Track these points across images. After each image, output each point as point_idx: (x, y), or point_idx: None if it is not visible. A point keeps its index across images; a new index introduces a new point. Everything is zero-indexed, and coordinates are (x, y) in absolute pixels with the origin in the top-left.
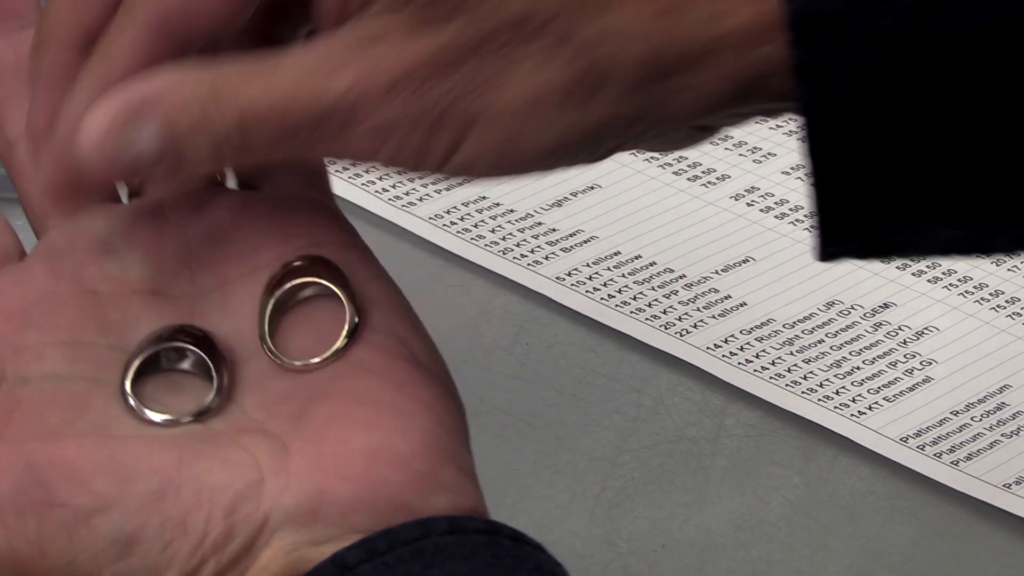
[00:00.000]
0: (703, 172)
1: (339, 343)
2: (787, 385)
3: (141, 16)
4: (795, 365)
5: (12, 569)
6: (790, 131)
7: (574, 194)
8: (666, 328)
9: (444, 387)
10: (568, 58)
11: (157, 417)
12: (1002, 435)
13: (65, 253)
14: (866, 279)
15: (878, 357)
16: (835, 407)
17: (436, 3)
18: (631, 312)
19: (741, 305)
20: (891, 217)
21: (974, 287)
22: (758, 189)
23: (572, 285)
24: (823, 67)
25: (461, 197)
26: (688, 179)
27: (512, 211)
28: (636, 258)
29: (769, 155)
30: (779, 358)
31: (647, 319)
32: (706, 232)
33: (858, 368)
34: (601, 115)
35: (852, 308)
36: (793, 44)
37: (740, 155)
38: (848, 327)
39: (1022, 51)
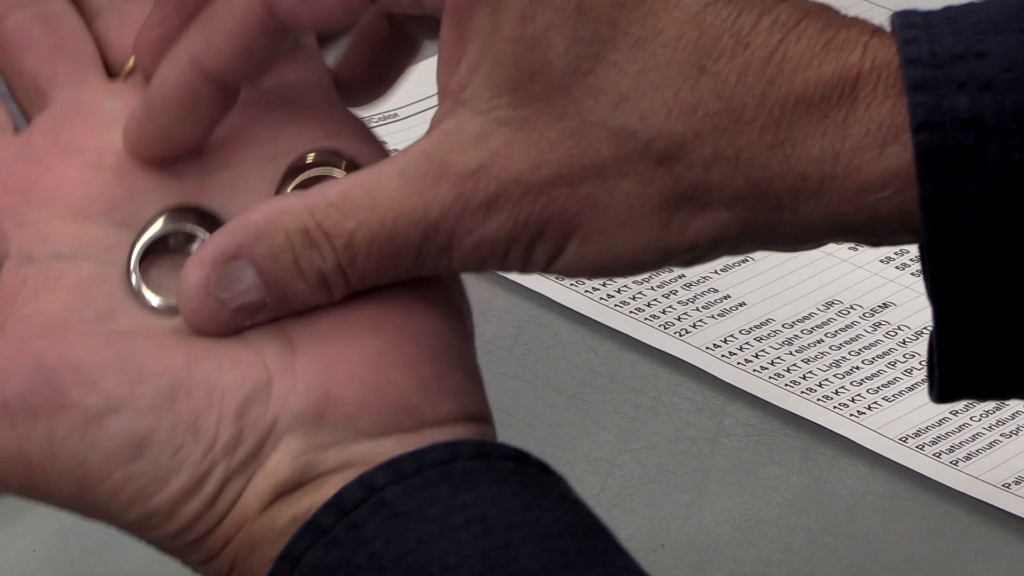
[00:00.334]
0: None
1: None
2: (786, 385)
3: None
4: (794, 365)
5: (23, 472)
6: None
7: None
8: (665, 328)
9: (453, 290)
10: (672, 180)
11: (156, 301)
12: (1001, 435)
13: (68, 126)
14: (865, 279)
15: (877, 357)
16: (834, 407)
17: (533, 100)
18: (630, 312)
19: (740, 305)
20: (1016, 357)
21: None
22: None
23: (571, 285)
24: (951, 202)
25: None
26: None
27: None
28: None
29: None
30: (778, 358)
31: (646, 319)
32: None
33: (857, 368)
34: (705, 233)
35: (851, 308)
36: (920, 178)
37: None
38: (847, 327)
39: None
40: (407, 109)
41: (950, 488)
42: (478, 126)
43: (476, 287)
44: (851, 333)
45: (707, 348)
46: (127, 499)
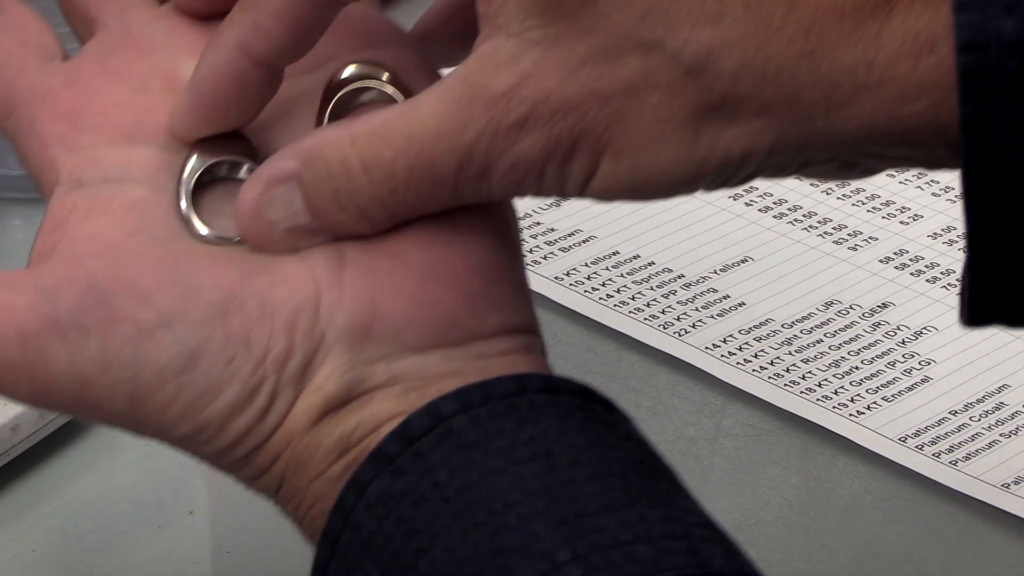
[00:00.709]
0: None
1: None
2: (786, 385)
3: None
4: (793, 365)
5: (76, 388)
6: None
7: None
8: (665, 328)
9: (502, 203)
10: (701, 90)
11: (205, 231)
12: (1000, 435)
13: (115, 52)
14: (864, 279)
15: (876, 357)
16: (833, 407)
17: (562, 18)
18: (630, 312)
19: (740, 305)
20: None
21: None
22: (756, 188)
23: (571, 285)
24: (991, 124)
25: None
26: None
27: None
28: (635, 258)
29: None
30: (778, 358)
31: (646, 319)
32: (705, 232)
33: (856, 368)
34: (737, 145)
35: (850, 308)
36: (962, 99)
37: None
38: (846, 327)
39: None
40: None
41: (949, 488)
42: (511, 48)
43: None
44: (850, 333)
45: (706, 348)
46: (179, 412)
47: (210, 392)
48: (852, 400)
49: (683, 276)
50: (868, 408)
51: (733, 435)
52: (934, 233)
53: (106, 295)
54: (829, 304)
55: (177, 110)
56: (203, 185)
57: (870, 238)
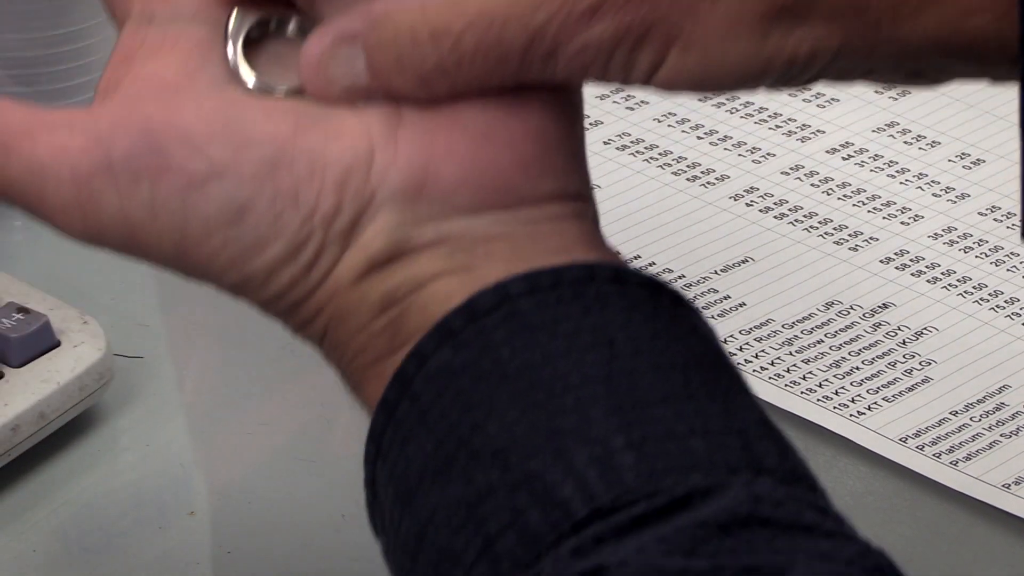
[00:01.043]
0: (702, 172)
1: None
2: (786, 385)
3: None
4: (794, 365)
5: (125, 231)
6: (789, 132)
7: None
8: None
9: None
10: None
11: (251, 80)
12: (1001, 435)
13: None
14: (865, 279)
15: (877, 357)
16: (834, 407)
17: None
18: None
19: (740, 305)
20: None
21: (973, 287)
22: (757, 189)
23: None
24: None
25: None
26: (687, 179)
27: None
28: (636, 258)
29: (768, 155)
30: (778, 358)
31: None
32: (705, 232)
33: (857, 368)
34: (804, 46)
35: (851, 308)
36: (1021, 15)
37: (739, 155)
38: (847, 327)
39: None
40: None
41: (950, 488)
42: None
43: None
44: (851, 333)
45: None
46: (224, 263)
47: (256, 246)
48: (853, 400)
49: (684, 276)
50: (869, 408)
51: None
52: (935, 234)
53: (160, 143)
54: (830, 304)
55: None
56: (252, 42)
57: (871, 239)
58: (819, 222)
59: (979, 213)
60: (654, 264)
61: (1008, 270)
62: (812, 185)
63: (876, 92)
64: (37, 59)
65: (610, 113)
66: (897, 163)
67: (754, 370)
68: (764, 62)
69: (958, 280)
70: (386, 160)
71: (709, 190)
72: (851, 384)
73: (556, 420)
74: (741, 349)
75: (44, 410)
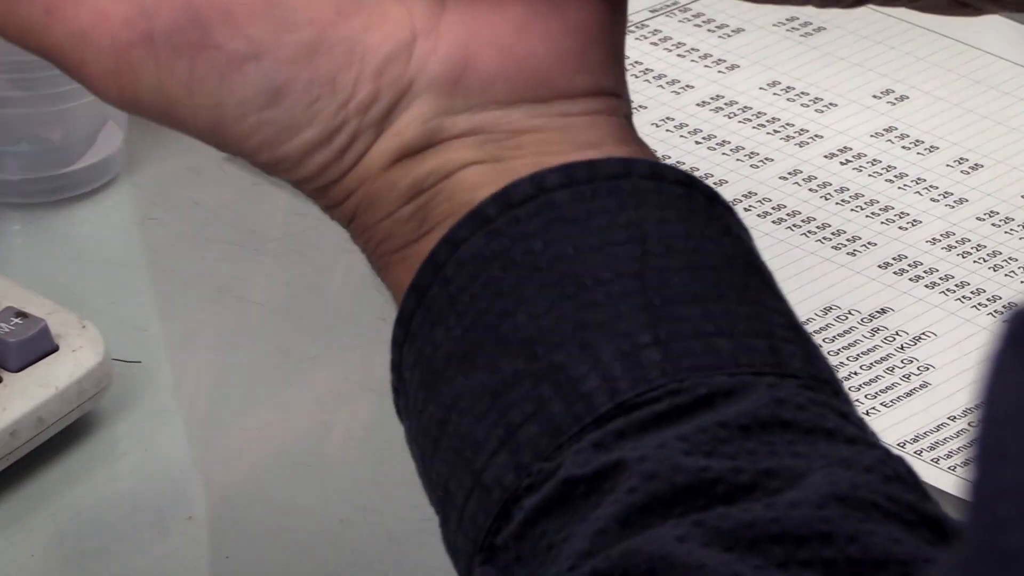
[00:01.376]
0: (701, 177)
1: None
2: None
3: None
4: None
5: (161, 105)
6: (787, 136)
7: None
8: None
9: None
10: None
11: None
12: None
13: None
14: (863, 284)
15: (875, 362)
16: None
17: None
18: None
19: None
20: None
21: (971, 292)
22: (755, 194)
23: None
24: None
25: None
26: None
27: None
28: None
29: (766, 160)
30: None
31: None
32: None
33: (855, 373)
34: None
35: (849, 313)
36: None
37: (737, 160)
38: (845, 332)
39: None
40: None
41: (948, 493)
42: None
43: None
44: (849, 338)
45: None
46: (258, 143)
47: (290, 130)
48: None
49: None
50: (867, 414)
51: None
52: (933, 239)
53: (202, 19)
54: (828, 309)
55: None
56: None
57: (868, 243)
58: (817, 227)
59: (977, 218)
60: None
61: (1006, 275)
62: (810, 190)
63: (874, 97)
64: (36, 62)
65: None
66: (895, 168)
67: None
68: None
69: (956, 285)
70: (427, 49)
71: None
72: (849, 389)
73: (584, 313)
74: None
75: (42, 415)
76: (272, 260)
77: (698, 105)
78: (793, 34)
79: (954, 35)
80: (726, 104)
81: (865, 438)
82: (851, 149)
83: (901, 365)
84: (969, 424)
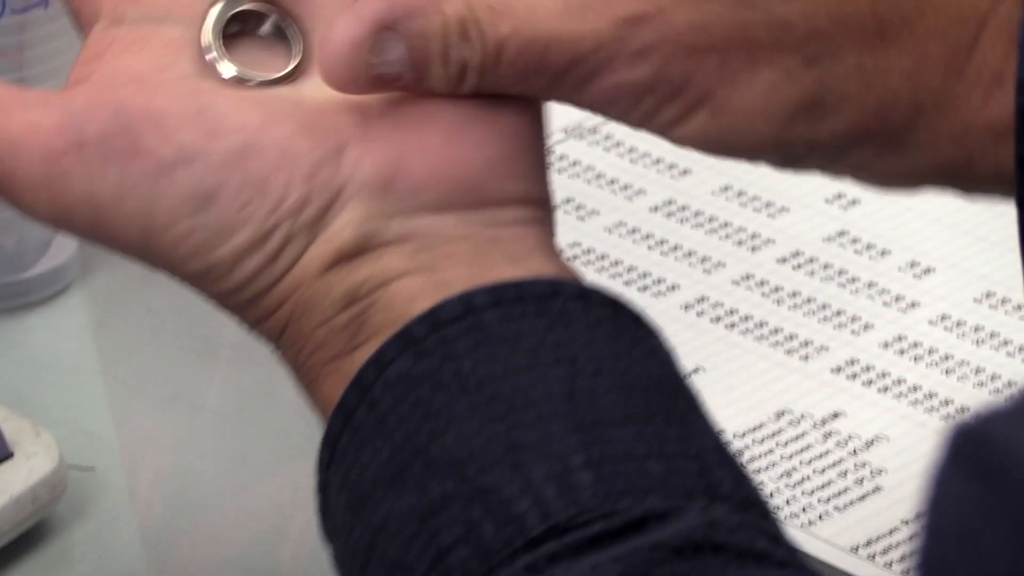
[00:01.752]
0: (653, 282)
1: None
2: None
3: None
4: None
5: (92, 214)
6: (739, 241)
7: None
8: None
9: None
10: (813, 80)
11: (228, 71)
12: None
13: None
14: (816, 388)
15: (828, 467)
16: (786, 517)
17: None
18: None
19: None
20: None
21: (924, 396)
22: (708, 299)
23: None
24: None
25: None
26: (638, 289)
27: None
28: None
29: (719, 265)
30: None
31: None
32: None
33: (808, 478)
34: (820, 138)
35: (802, 417)
36: (1017, 135)
37: (690, 265)
38: (798, 437)
39: None
40: None
41: None
42: None
43: None
44: (802, 443)
45: None
46: (190, 250)
47: (222, 234)
48: (804, 510)
49: None
50: (820, 518)
51: None
52: (885, 343)
53: (132, 125)
54: (781, 414)
55: None
56: (228, 36)
57: (821, 347)
58: (770, 331)
59: (929, 322)
60: None
61: (958, 379)
62: (763, 294)
63: (826, 201)
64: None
65: (561, 224)
66: (847, 272)
67: None
68: (784, 144)
69: (909, 389)
70: (358, 153)
71: (659, 300)
72: (802, 493)
73: (515, 434)
74: None
75: None
76: (226, 366)
77: (651, 210)
78: None
79: None
80: (679, 209)
81: (795, 561)
82: (803, 253)
83: (854, 469)
84: (913, 535)
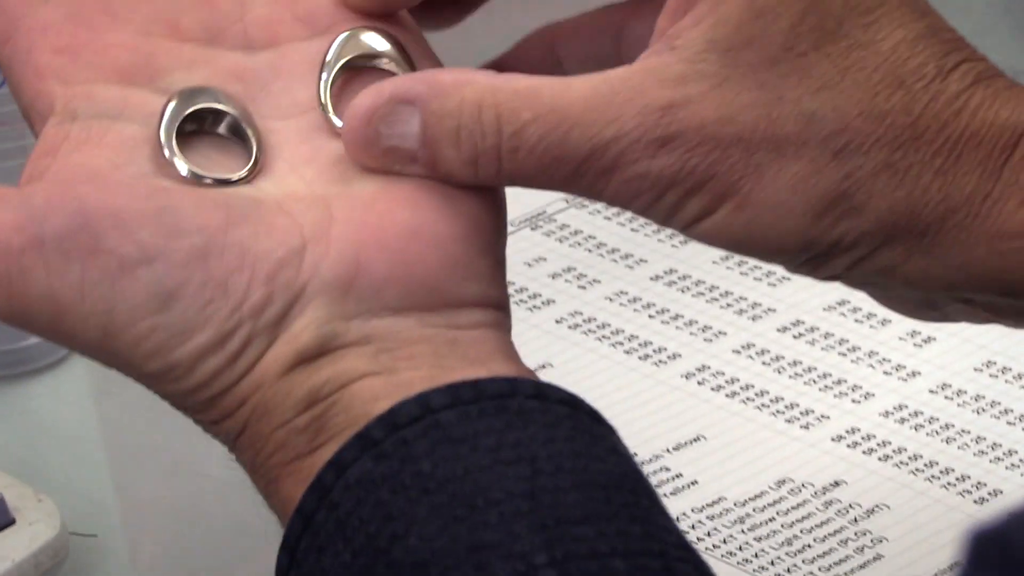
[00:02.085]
0: (654, 351)
1: None
2: (739, 563)
3: None
4: (747, 543)
5: (51, 312)
6: (740, 310)
7: None
8: None
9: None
10: (841, 175)
11: (184, 169)
12: None
13: None
14: (817, 457)
15: (829, 535)
16: None
17: (741, 64)
18: None
19: (693, 483)
20: None
21: (925, 464)
22: (709, 367)
23: None
24: None
25: None
26: (639, 358)
27: None
28: None
29: (720, 334)
30: (731, 536)
31: None
32: (658, 410)
33: (809, 546)
34: (847, 237)
35: (803, 486)
36: None
37: (691, 334)
38: (799, 505)
39: None
40: None
41: None
42: (680, 71)
43: None
44: (803, 511)
45: None
46: (150, 349)
47: (183, 334)
48: None
49: (636, 455)
50: None
51: None
52: (886, 411)
53: (92, 224)
54: (782, 482)
55: None
56: (185, 135)
57: (822, 416)
58: (771, 400)
59: (930, 391)
60: None
61: (959, 447)
62: (763, 363)
63: None
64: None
65: (562, 292)
66: (848, 341)
67: (707, 548)
68: (808, 241)
69: (909, 458)
70: (318, 254)
71: (661, 368)
72: (803, 562)
73: (478, 534)
74: (693, 527)
75: None
76: None
77: (652, 279)
78: None
79: None
80: (680, 278)
81: None
82: (804, 322)
83: (855, 537)
84: None
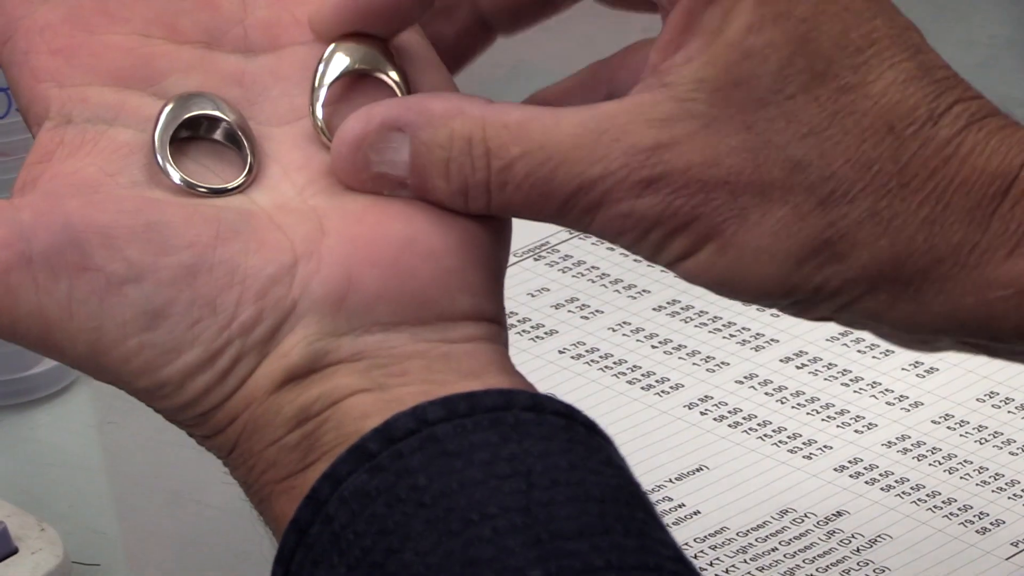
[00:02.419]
0: (657, 381)
1: None
2: None
3: None
4: (749, 573)
5: (39, 328)
6: (743, 341)
7: None
8: None
9: None
10: (825, 223)
11: (176, 177)
12: None
13: None
14: (819, 487)
15: (831, 565)
16: None
17: (730, 105)
18: None
19: (695, 513)
20: None
21: (927, 495)
22: (712, 398)
23: None
24: None
25: None
26: (642, 388)
27: None
28: None
29: (722, 364)
30: (733, 566)
31: None
32: (660, 441)
33: None
34: (830, 285)
35: (805, 516)
36: None
37: (694, 364)
38: (801, 535)
39: None
40: None
41: None
42: (669, 110)
43: None
44: (805, 541)
45: None
46: (139, 367)
47: (171, 352)
48: None
49: None
50: None
51: None
52: (888, 442)
53: (81, 241)
54: (784, 512)
55: (323, 5)
56: (180, 141)
57: (824, 447)
58: (773, 430)
59: (932, 421)
60: None
61: (961, 478)
62: (766, 394)
63: None
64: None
65: (565, 323)
66: (851, 371)
67: None
68: (790, 287)
69: (912, 488)
70: (309, 271)
71: (664, 399)
72: None
73: (473, 549)
74: (696, 557)
75: None
76: None
77: (655, 309)
78: None
79: None
80: (683, 308)
81: None
82: (807, 353)
83: (857, 568)
84: None
